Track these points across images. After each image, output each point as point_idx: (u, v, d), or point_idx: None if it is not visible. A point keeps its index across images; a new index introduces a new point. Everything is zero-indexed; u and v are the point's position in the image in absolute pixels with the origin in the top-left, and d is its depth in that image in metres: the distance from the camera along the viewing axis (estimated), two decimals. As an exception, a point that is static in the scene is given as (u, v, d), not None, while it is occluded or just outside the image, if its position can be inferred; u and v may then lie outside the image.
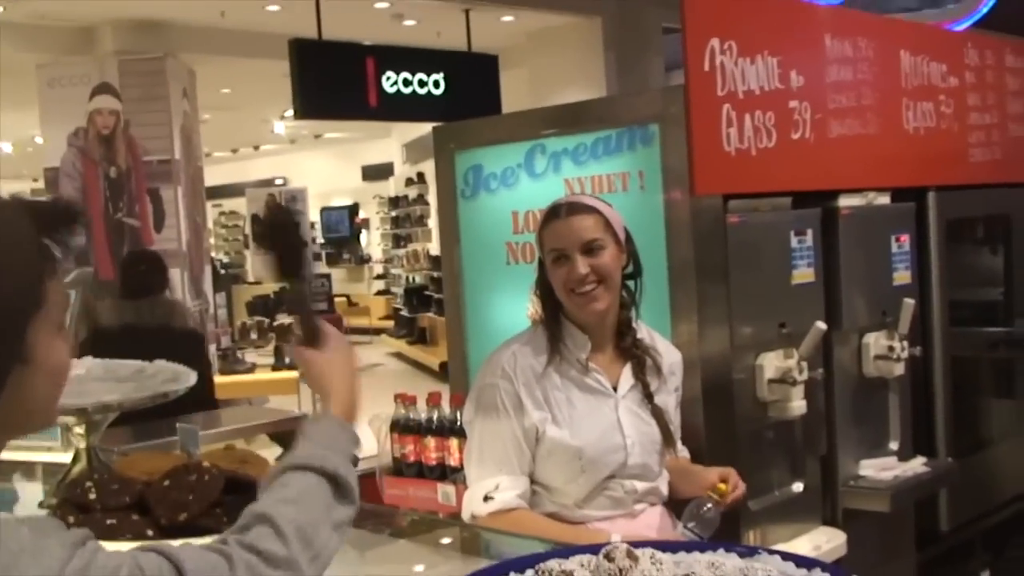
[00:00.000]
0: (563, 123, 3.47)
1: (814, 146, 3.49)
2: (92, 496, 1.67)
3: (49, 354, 1.24)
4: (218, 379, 7.35)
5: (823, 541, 3.24)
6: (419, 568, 2.13)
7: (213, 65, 9.64)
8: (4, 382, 1.17)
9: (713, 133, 3.12)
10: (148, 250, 7.10)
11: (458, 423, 2.85)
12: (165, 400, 2.05)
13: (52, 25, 8.85)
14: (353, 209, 21.17)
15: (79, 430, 2.10)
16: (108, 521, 1.61)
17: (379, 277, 20.12)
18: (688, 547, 1.40)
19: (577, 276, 2.46)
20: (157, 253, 5.83)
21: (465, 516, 2.53)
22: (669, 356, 2.72)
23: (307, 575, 1.34)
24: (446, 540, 2.30)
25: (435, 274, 14.34)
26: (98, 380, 2.01)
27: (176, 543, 1.30)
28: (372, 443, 2.99)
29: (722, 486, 2.53)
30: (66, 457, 2.46)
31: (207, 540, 1.35)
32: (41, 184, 8.72)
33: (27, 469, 2.71)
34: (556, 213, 2.54)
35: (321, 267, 18.19)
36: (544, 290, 2.59)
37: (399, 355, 15.27)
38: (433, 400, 2.96)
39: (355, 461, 1.53)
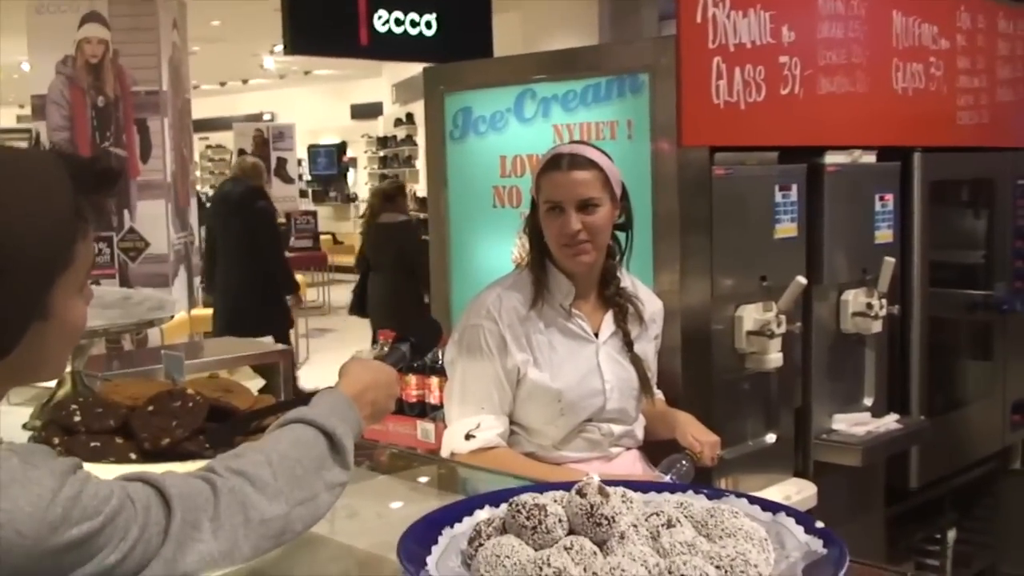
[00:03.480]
0: (553, 69, 3.47)
1: (803, 102, 3.50)
2: (77, 419, 1.70)
3: (68, 312, 1.25)
4: (201, 311, 7.35)
5: (793, 492, 3.30)
6: (397, 503, 2.16)
7: (204, -4, 9.55)
8: (21, 338, 1.18)
9: (703, 85, 3.12)
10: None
11: (439, 362, 2.88)
12: (150, 327, 2.07)
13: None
14: (341, 147, 21.07)
15: (64, 355, 2.12)
16: (92, 444, 1.64)
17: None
18: (659, 488, 1.44)
19: (569, 231, 2.48)
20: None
21: (445, 453, 2.57)
22: (651, 304, 2.76)
23: (292, 516, 1.34)
24: (424, 476, 2.34)
25: (422, 215, 14.30)
26: (84, 306, 2.02)
27: (159, 468, 1.32)
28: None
29: (698, 455, 2.60)
30: (50, 382, 2.48)
31: (189, 465, 1.37)
32: (28, 111, 8.64)
33: (11, 392, 2.72)
34: (557, 164, 2.53)
35: (307, 204, 18.13)
36: (533, 233, 2.60)
37: (382, 295, 15.26)
38: (416, 339, 2.99)
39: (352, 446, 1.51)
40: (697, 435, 2.68)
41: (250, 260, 7.23)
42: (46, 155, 1.25)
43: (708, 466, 2.66)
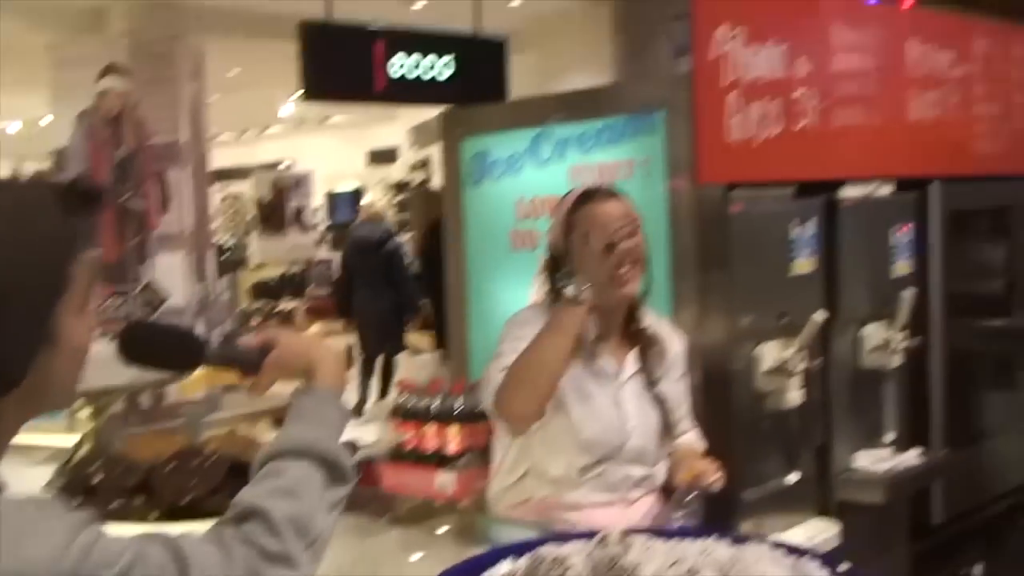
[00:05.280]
0: (570, 109, 3.48)
1: (819, 135, 3.49)
2: (97, 479, 1.70)
3: (73, 335, 1.25)
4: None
5: (817, 532, 3.26)
6: (418, 554, 2.14)
7: (222, 46, 9.61)
8: (30, 366, 1.19)
9: (718, 121, 3.13)
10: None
11: (457, 410, 2.86)
12: (170, 384, 2.08)
13: (61, 5, 8.84)
14: (358, 193, 21.11)
15: (85, 413, 2.13)
16: (112, 504, 1.63)
17: (384, 261, 20.06)
18: (682, 534, 1.42)
19: (623, 252, 2.45)
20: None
21: (487, 403, 2.51)
22: (674, 344, 2.72)
23: (304, 566, 1.34)
24: (443, 527, 2.32)
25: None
26: (104, 364, 2.02)
27: (177, 529, 1.31)
28: (373, 430, 3.01)
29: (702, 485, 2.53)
30: (69, 440, 2.47)
31: (209, 524, 1.36)
32: (48, 165, 8.72)
33: (29, 452, 2.71)
34: (594, 195, 2.54)
35: (324, 252, 18.16)
36: (553, 273, 2.57)
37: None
38: (434, 387, 2.98)
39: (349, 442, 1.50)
40: (692, 464, 2.59)
41: (386, 288, 9.12)
42: (26, 184, 1.27)
43: (705, 484, 2.55)
